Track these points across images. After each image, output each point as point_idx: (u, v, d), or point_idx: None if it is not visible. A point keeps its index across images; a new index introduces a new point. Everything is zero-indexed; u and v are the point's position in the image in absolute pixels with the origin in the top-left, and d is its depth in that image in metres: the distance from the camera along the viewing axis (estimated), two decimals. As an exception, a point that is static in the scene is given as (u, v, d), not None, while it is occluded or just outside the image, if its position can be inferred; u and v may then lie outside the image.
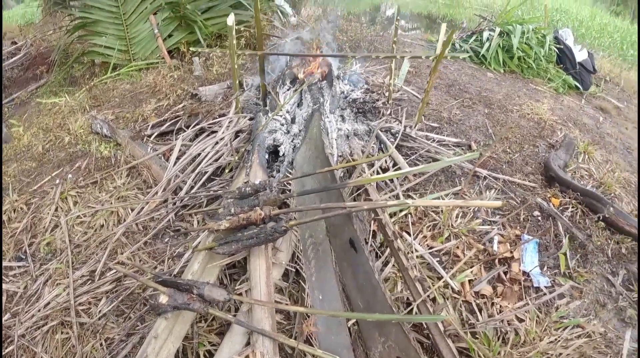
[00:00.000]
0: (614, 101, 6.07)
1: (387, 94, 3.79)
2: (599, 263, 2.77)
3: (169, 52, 5.14)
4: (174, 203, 2.82)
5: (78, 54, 5.33)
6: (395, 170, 2.91)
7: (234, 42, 2.92)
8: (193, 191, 2.86)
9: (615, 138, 4.75)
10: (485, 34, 6.11)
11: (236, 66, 3.02)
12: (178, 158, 3.12)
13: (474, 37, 6.28)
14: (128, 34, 5.12)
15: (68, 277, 2.54)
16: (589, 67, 6.13)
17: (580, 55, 6.14)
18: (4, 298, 2.52)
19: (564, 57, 6.14)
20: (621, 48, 9.54)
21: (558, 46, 6.16)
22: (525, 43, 5.96)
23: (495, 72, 5.84)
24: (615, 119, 5.53)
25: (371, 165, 2.99)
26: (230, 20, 2.89)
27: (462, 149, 3.60)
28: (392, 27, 3.35)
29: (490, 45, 5.95)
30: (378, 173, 2.90)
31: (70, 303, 2.37)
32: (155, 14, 5.14)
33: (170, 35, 5.20)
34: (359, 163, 2.50)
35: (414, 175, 3.04)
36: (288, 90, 3.35)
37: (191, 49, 4.03)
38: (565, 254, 2.74)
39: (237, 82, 3.14)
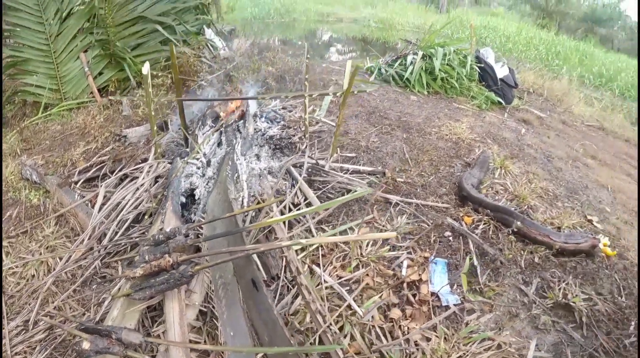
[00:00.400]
0: (536, 112, 6.47)
1: (303, 128, 3.95)
2: (512, 275, 2.86)
3: (99, 90, 5.18)
4: (99, 251, 2.93)
5: (9, 93, 5.28)
6: (307, 205, 3.11)
7: (150, 90, 3.07)
8: (115, 238, 2.98)
9: (536, 148, 4.97)
10: (409, 58, 6.45)
11: (152, 113, 3.16)
12: (103, 205, 3.22)
13: (398, 62, 6.59)
14: (59, 72, 5.11)
15: (4, 328, 2.59)
16: (511, 82, 6.57)
17: (502, 71, 6.57)
18: None
19: (485, 75, 6.55)
20: (546, 59, 10.20)
21: (479, 64, 6.57)
22: (447, 64, 6.32)
23: (419, 95, 6.12)
24: (537, 129, 5.85)
25: (282, 202, 3.13)
26: (146, 69, 3.05)
27: (377, 176, 3.76)
28: (303, 65, 3.54)
29: (414, 68, 6.27)
30: (290, 209, 3.09)
31: (7, 354, 2.43)
32: (85, 51, 5.17)
33: (100, 73, 5.24)
34: (258, 207, 2.68)
35: (326, 208, 3.22)
36: (208, 130, 3.49)
37: (109, 97, 4.11)
38: (467, 273, 2.85)
39: (155, 128, 3.29)
